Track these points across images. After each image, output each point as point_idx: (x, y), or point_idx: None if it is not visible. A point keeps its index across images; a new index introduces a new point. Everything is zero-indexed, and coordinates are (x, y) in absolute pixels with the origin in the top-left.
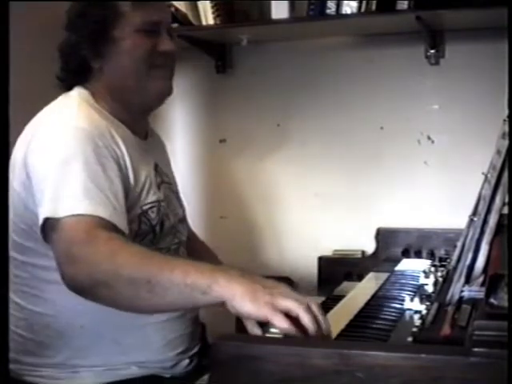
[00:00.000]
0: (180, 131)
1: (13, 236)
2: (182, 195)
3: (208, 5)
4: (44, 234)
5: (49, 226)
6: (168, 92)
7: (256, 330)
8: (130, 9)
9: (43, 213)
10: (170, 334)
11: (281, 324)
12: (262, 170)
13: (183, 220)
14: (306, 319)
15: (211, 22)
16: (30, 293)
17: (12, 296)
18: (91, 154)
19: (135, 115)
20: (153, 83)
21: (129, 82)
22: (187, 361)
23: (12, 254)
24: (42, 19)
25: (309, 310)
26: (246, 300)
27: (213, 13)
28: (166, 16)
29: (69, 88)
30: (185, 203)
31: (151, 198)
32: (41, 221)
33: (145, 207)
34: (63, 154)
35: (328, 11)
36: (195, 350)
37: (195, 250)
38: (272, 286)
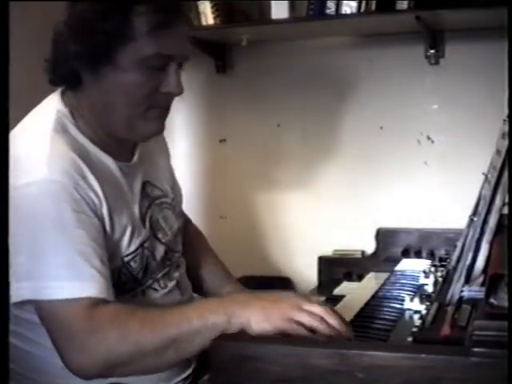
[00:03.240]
0: (180, 131)
1: None
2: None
3: (208, 5)
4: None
5: (32, 304)
6: (159, 133)
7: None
8: (144, 34)
9: (19, 291)
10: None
11: (299, 332)
12: (262, 170)
13: (180, 231)
14: (322, 328)
15: (211, 22)
16: (12, 329)
17: None
18: (70, 214)
19: (119, 141)
20: (145, 124)
21: (116, 116)
22: (181, 383)
23: None
24: (42, 19)
25: (322, 319)
26: (260, 320)
27: (213, 13)
28: (182, 48)
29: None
30: (183, 205)
31: (133, 245)
32: (16, 299)
33: (126, 258)
34: (38, 215)
35: (328, 11)
36: (191, 369)
37: (189, 237)
38: (280, 300)
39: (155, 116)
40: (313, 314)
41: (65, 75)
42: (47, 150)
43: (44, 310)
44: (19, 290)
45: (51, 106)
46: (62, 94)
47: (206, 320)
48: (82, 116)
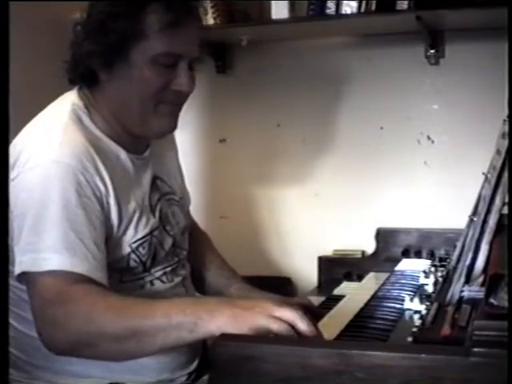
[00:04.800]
0: (180, 131)
1: None
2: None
3: (208, 5)
4: (19, 279)
5: (25, 277)
6: (171, 130)
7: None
8: (156, 32)
9: (21, 265)
10: (166, 358)
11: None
12: (262, 170)
13: (186, 229)
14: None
15: (211, 22)
16: (19, 314)
17: None
18: (73, 195)
19: (134, 137)
20: (157, 120)
21: (131, 112)
22: (185, 377)
23: None
24: (42, 19)
25: (291, 329)
26: (229, 327)
27: (213, 13)
28: (193, 47)
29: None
30: (190, 202)
31: (141, 232)
32: (17, 271)
33: (134, 245)
34: (42, 193)
35: (328, 11)
36: (194, 364)
37: (194, 241)
38: (254, 306)
39: (167, 112)
40: (282, 321)
41: (83, 74)
42: (60, 135)
43: (32, 282)
44: (19, 264)
45: (67, 100)
46: (79, 91)
47: (170, 317)
48: (97, 111)
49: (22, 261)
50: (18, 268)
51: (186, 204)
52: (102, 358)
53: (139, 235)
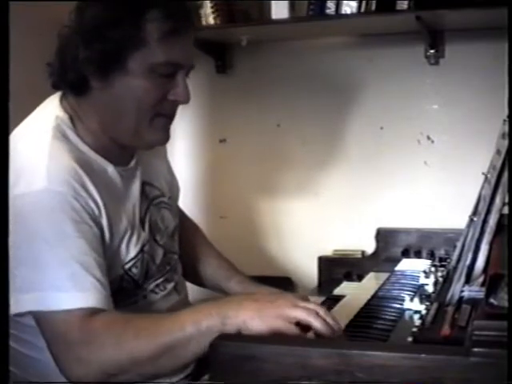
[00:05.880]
0: (180, 131)
1: None
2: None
3: (208, 5)
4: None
5: (32, 315)
6: (164, 142)
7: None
8: (155, 41)
9: (24, 304)
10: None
11: (294, 332)
12: (262, 170)
13: (176, 229)
14: (316, 324)
15: (211, 21)
16: (16, 335)
17: None
18: (69, 224)
19: (121, 147)
20: (151, 133)
21: (124, 123)
22: (181, 376)
23: None
24: (42, 19)
25: (317, 315)
26: (255, 320)
27: (212, 13)
28: (191, 55)
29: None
30: (180, 204)
31: (133, 251)
32: (20, 309)
33: (127, 266)
34: (35, 226)
35: (328, 11)
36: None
37: (186, 232)
38: (276, 299)
39: (161, 125)
40: (308, 310)
41: (72, 80)
42: (46, 158)
43: (44, 321)
44: (22, 302)
45: (50, 112)
46: (61, 99)
47: (199, 324)
48: (82, 122)
49: (24, 299)
50: (21, 306)
51: (175, 200)
52: (136, 380)
53: (131, 254)
